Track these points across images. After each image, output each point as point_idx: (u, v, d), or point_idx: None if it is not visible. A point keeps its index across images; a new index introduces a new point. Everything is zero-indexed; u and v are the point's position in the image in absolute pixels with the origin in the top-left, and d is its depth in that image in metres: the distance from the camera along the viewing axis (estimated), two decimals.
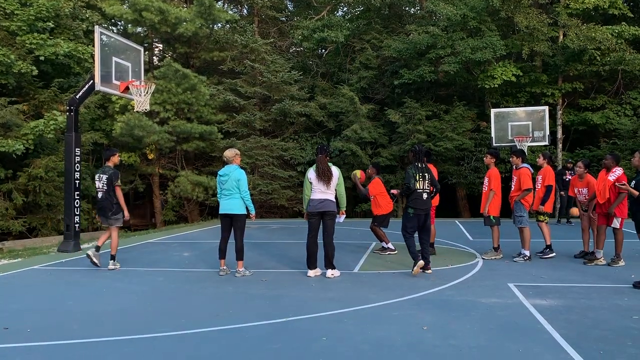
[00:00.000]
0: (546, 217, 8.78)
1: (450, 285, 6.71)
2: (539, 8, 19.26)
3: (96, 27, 10.09)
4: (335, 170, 7.33)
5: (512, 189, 8.67)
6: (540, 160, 8.88)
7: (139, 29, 20.31)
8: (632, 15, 18.68)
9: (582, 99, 20.26)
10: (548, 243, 8.86)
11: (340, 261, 8.36)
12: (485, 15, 18.85)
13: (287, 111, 19.84)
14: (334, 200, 7.33)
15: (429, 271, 7.48)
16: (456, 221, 15.86)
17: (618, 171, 7.68)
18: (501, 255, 8.77)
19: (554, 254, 8.81)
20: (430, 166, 8.21)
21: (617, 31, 17.70)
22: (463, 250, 9.70)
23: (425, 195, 7.46)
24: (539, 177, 8.67)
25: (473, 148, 19.60)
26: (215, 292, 6.53)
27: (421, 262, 7.31)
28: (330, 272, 7.29)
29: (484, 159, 8.94)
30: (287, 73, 20.06)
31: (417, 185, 7.42)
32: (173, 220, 19.93)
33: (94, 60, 10.47)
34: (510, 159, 8.95)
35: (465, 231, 12.84)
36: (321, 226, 7.33)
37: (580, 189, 8.57)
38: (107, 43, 10.42)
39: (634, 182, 6.62)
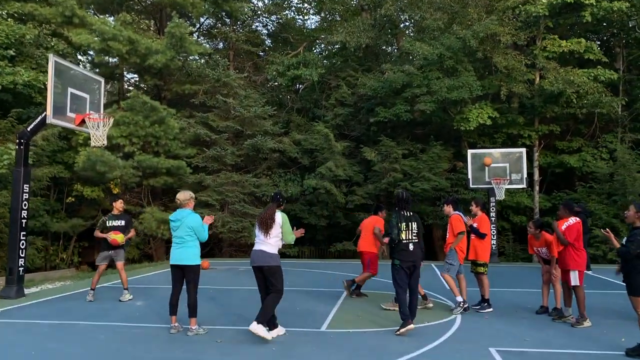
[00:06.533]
0: (485, 268, 8.23)
1: (426, 349, 6.02)
2: (515, 50, 19.25)
3: (50, 55, 9.39)
4: (279, 217, 6.51)
5: (447, 236, 8.26)
6: (474, 208, 8.40)
7: (110, 59, 19.67)
8: (606, 60, 18.75)
9: (559, 141, 20.14)
10: (486, 297, 8.33)
11: (308, 316, 7.61)
12: (462, 55, 18.72)
13: (260, 147, 19.23)
14: (275, 252, 6.47)
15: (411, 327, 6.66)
16: (432, 264, 15.23)
17: (572, 220, 7.34)
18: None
19: (491, 309, 8.29)
20: None
21: (593, 74, 17.69)
22: (439, 302, 9.03)
23: (411, 246, 6.84)
24: (475, 225, 8.18)
25: (449, 189, 19.21)
26: (160, 357, 5.73)
27: (411, 327, 6.60)
28: (261, 329, 6.22)
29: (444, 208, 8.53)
30: (260, 107, 19.52)
31: (402, 235, 6.81)
32: (137, 258, 18.91)
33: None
34: (443, 209, 8.55)
35: (441, 276, 12.19)
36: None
37: (539, 249, 8.09)
38: (64, 72, 9.73)
39: (625, 239, 6.09)
